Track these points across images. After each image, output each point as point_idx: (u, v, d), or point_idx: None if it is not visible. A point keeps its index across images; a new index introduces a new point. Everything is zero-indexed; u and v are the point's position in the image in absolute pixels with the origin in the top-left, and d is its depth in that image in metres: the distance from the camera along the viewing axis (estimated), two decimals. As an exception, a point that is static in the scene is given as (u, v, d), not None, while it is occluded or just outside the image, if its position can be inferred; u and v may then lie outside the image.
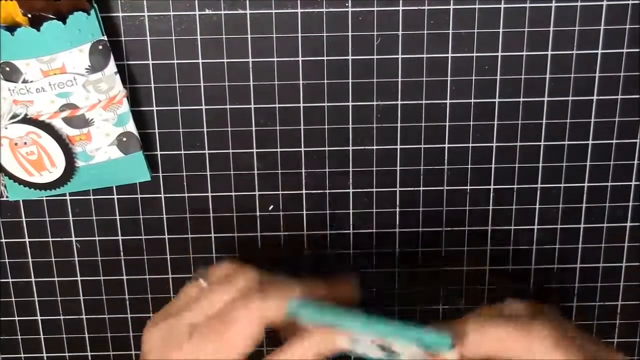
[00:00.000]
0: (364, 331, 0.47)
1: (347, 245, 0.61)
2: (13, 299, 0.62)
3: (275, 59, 0.55)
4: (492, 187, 0.59)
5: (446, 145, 0.58)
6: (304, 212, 0.60)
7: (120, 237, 0.61)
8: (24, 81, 0.52)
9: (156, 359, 0.49)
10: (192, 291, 0.51)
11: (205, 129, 0.57)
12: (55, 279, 0.62)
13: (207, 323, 0.48)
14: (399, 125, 0.57)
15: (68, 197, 0.59)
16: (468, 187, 0.59)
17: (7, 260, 0.61)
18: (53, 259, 0.61)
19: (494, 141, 0.58)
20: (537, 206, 0.60)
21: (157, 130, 0.57)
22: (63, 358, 0.64)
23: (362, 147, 0.58)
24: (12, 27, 0.50)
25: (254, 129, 0.57)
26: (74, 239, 0.60)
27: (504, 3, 0.54)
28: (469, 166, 0.58)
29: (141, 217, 0.60)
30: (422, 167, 0.58)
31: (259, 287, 0.48)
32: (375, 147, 0.58)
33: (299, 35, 0.55)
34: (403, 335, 0.47)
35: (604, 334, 0.64)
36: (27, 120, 0.53)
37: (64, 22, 0.50)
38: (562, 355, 0.46)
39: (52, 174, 0.56)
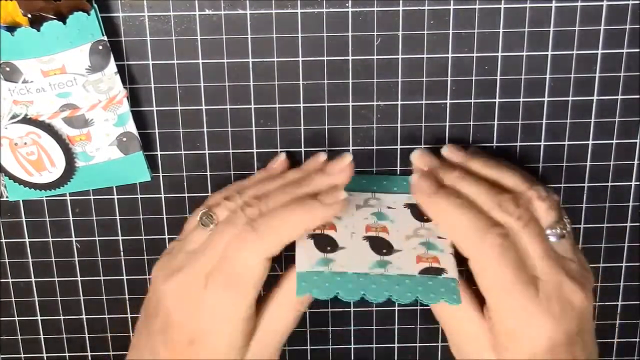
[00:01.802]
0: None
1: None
2: (13, 299, 0.62)
3: (275, 59, 0.55)
4: (492, 187, 0.59)
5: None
6: (304, 212, 0.60)
7: (120, 237, 0.61)
8: (24, 81, 0.52)
9: (181, 318, 0.51)
10: (197, 235, 0.53)
11: (205, 129, 0.57)
12: (55, 279, 0.62)
13: (216, 270, 0.50)
14: (399, 125, 0.57)
15: (68, 197, 0.59)
16: (468, 187, 0.59)
17: (7, 260, 0.61)
18: (53, 259, 0.61)
19: (494, 141, 0.58)
20: (537, 206, 0.60)
21: (157, 130, 0.57)
22: (63, 358, 0.64)
23: (362, 147, 0.58)
24: (12, 27, 0.50)
25: (254, 129, 0.57)
26: (74, 239, 0.60)
27: (504, 3, 0.54)
28: (469, 166, 0.58)
29: (141, 217, 0.60)
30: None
31: (253, 225, 0.50)
32: (375, 147, 0.58)
33: (299, 35, 0.55)
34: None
35: (604, 334, 0.64)
36: (27, 120, 0.53)
37: (64, 22, 0.50)
38: (504, 265, 0.50)
39: (52, 174, 0.56)
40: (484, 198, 0.52)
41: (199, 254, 0.51)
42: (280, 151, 0.58)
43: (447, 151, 0.56)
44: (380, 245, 0.53)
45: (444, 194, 0.52)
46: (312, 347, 0.64)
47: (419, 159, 0.56)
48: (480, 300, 0.52)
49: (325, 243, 0.52)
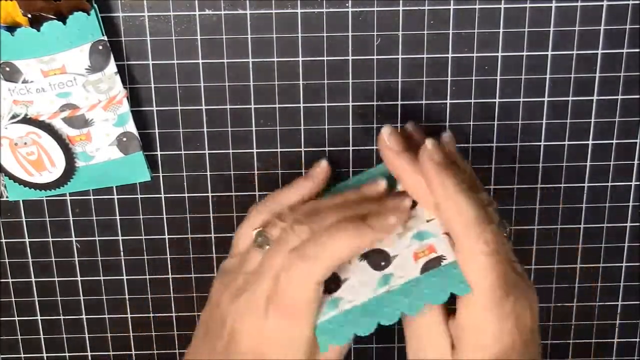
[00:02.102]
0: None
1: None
2: (13, 299, 0.62)
3: (275, 59, 0.55)
4: (492, 187, 0.59)
5: (446, 145, 0.58)
6: (304, 212, 0.60)
7: (120, 237, 0.61)
8: (24, 81, 0.52)
9: (247, 341, 0.51)
10: (254, 256, 0.53)
11: (205, 129, 0.57)
12: (55, 279, 0.62)
13: (274, 296, 0.50)
14: (399, 125, 0.57)
15: (68, 197, 0.59)
16: (468, 187, 0.59)
17: (7, 260, 0.61)
18: (53, 259, 0.61)
19: (494, 141, 0.58)
20: (537, 206, 0.60)
21: (157, 130, 0.57)
22: (63, 358, 0.64)
23: (362, 147, 0.58)
24: (12, 27, 0.50)
25: (254, 129, 0.57)
26: (74, 239, 0.60)
27: (504, 3, 0.54)
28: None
29: (141, 217, 0.60)
30: (422, 167, 0.58)
31: (300, 252, 0.50)
32: (375, 147, 0.58)
33: (299, 35, 0.55)
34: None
35: (604, 334, 0.64)
36: (27, 120, 0.53)
37: (64, 22, 0.50)
38: (489, 266, 0.48)
39: (52, 174, 0.56)
40: (478, 185, 0.52)
41: (259, 277, 0.51)
42: (281, 151, 0.58)
43: (411, 128, 0.55)
44: (378, 259, 0.52)
45: (446, 168, 0.50)
46: (312, 347, 0.64)
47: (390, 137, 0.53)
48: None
49: (328, 281, 0.51)
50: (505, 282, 0.49)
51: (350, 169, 0.58)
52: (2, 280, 0.62)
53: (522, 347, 0.50)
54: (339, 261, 0.50)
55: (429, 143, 0.50)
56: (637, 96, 0.57)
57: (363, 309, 0.50)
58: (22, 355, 0.64)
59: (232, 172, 0.58)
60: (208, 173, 0.59)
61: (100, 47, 0.52)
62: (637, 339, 0.64)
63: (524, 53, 0.55)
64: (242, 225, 0.55)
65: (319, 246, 0.50)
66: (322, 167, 0.56)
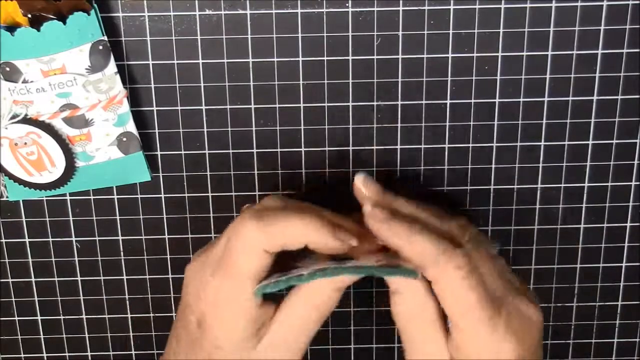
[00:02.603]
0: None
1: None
2: (13, 299, 0.62)
3: (275, 59, 0.55)
4: (492, 187, 0.59)
5: (446, 145, 0.58)
6: (304, 212, 0.60)
7: (120, 237, 0.61)
8: (24, 81, 0.52)
9: (191, 300, 0.51)
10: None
11: (205, 129, 0.57)
12: (56, 279, 0.62)
13: (221, 257, 0.50)
14: (399, 125, 0.57)
15: (68, 197, 0.59)
16: (468, 187, 0.59)
17: (7, 260, 0.61)
18: (53, 259, 0.61)
19: (494, 141, 0.58)
20: (537, 206, 0.60)
21: (157, 130, 0.57)
22: (63, 358, 0.64)
23: (362, 147, 0.58)
24: (12, 27, 0.50)
25: (254, 129, 0.57)
26: (74, 239, 0.60)
27: (504, 3, 0.54)
28: (469, 166, 0.58)
29: (141, 217, 0.60)
30: (422, 168, 0.58)
31: (258, 214, 0.50)
32: (375, 147, 0.58)
33: (299, 35, 0.55)
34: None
35: (604, 334, 0.64)
36: (27, 120, 0.53)
37: (64, 23, 0.50)
38: (469, 287, 0.48)
39: (52, 174, 0.56)
40: (435, 222, 0.51)
41: (216, 242, 0.52)
42: (281, 151, 0.57)
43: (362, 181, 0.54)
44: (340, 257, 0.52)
45: (402, 220, 0.50)
46: (312, 347, 0.64)
47: (364, 183, 0.53)
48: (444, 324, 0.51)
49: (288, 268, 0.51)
50: (491, 300, 0.49)
51: (350, 169, 0.58)
52: (2, 280, 0.62)
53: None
54: (292, 242, 0.49)
55: (365, 207, 0.51)
56: (637, 96, 0.57)
57: (308, 274, 0.50)
58: (22, 355, 0.64)
59: (232, 172, 0.58)
60: (208, 173, 0.59)
61: (101, 47, 0.52)
62: (637, 339, 0.64)
63: (524, 53, 0.55)
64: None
65: (280, 219, 0.49)
66: (350, 244, 0.52)
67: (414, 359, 0.52)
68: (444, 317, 0.51)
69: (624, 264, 0.62)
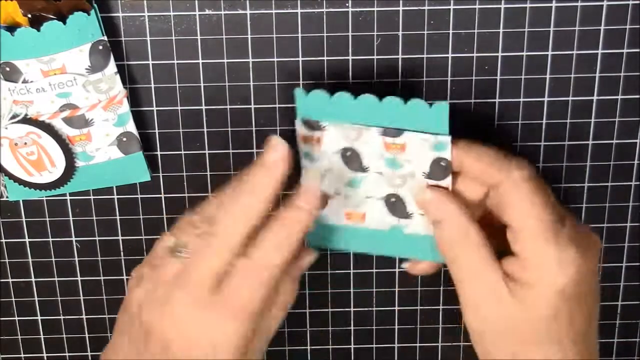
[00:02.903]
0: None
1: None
2: (13, 299, 0.62)
3: (275, 59, 0.55)
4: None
5: (446, 145, 0.58)
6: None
7: (120, 237, 0.61)
8: (24, 81, 0.52)
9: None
10: (166, 262, 0.50)
11: (205, 129, 0.57)
12: (56, 279, 0.62)
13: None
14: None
15: (68, 197, 0.59)
16: (468, 187, 0.59)
17: (7, 260, 0.61)
18: (53, 259, 0.61)
19: (494, 141, 0.58)
20: (537, 206, 0.60)
21: (157, 131, 0.57)
22: (63, 358, 0.64)
23: (362, 147, 0.58)
24: (12, 27, 0.50)
25: (254, 129, 0.57)
26: (74, 239, 0.61)
27: (504, 3, 0.54)
28: (469, 166, 0.58)
29: (141, 217, 0.60)
30: (422, 167, 0.58)
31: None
32: (375, 147, 0.58)
33: (299, 35, 0.55)
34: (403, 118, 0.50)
35: (604, 334, 0.64)
36: (27, 120, 0.53)
37: (64, 23, 0.50)
38: (536, 190, 0.49)
39: (52, 174, 0.56)
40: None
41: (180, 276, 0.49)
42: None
43: None
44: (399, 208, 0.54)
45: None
46: (312, 347, 0.64)
47: None
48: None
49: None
50: (554, 208, 0.49)
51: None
52: (2, 280, 0.62)
53: (590, 276, 0.49)
54: (246, 221, 0.48)
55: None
56: (637, 96, 0.57)
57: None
58: (22, 355, 0.64)
59: (232, 172, 0.58)
60: (208, 173, 0.59)
61: (101, 47, 0.52)
62: (638, 339, 0.64)
63: (524, 53, 0.55)
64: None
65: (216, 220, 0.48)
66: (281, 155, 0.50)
67: (466, 290, 0.51)
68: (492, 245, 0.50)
69: (624, 264, 0.62)
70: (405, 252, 0.56)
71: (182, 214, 0.59)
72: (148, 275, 0.50)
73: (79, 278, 0.62)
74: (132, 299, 0.50)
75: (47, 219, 0.60)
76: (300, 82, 0.56)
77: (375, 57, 0.55)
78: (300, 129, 0.52)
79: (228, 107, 0.57)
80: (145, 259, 0.51)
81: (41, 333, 0.63)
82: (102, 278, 0.62)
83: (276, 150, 0.49)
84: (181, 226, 0.50)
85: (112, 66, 0.53)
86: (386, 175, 0.53)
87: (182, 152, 0.58)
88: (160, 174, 0.59)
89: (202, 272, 0.48)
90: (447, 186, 0.51)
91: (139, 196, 0.59)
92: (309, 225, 0.49)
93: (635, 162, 0.59)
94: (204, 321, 0.48)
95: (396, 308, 0.63)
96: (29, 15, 0.50)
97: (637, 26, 0.55)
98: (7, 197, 0.57)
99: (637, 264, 0.62)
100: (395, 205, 0.53)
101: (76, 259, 0.61)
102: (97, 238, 0.61)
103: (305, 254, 0.52)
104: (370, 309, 0.63)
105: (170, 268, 0.49)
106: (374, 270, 0.62)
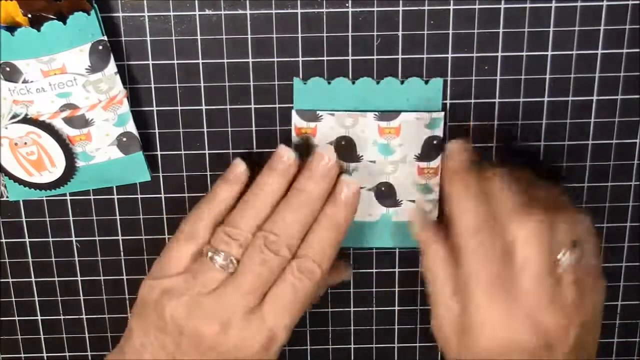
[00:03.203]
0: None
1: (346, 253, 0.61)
2: (13, 299, 0.62)
3: (275, 59, 0.55)
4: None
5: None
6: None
7: (120, 237, 0.61)
8: (24, 81, 0.52)
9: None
10: (210, 276, 0.54)
11: (205, 129, 0.57)
12: (56, 278, 0.62)
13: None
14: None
15: (68, 197, 0.59)
16: (468, 187, 0.59)
17: (7, 260, 0.61)
18: (53, 259, 0.61)
19: (494, 141, 0.58)
20: (537, 206, 0.60)
21: (157, 131, 0.57)
22: (63, 358, 0.64)
23: (362, 147, 0.58)
24: (12, 27, 0.50)
25: (254, 129, 0.57)
26: (74, 238, 0.61)
27: (504, 3, 0.54)
28: (469, 166, 0.58)
29: (141, 217, 0.60)
30: (422, 167, 0.58)
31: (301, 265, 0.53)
32: (375, 147, 0.58)
33: (299, 35, 0.55)
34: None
35: (604, 334, 0.64)
36: (27, 120, 0.53)
37: (64, 23, 0.50)
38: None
39: (52, 174, 0.56)
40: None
41: (242, 294, 0.52)
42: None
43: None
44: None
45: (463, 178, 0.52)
46: (312, 347, 0.64)
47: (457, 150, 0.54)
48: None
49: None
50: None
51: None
52: (2, 280, 0.62)
53: None
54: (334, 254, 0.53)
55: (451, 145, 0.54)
56: (637, 96, 0.57)
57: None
58: (22, 355, 0.64)
59: (232, 172, 0.58)
60: (208, 173, 0.59)
61: (101, 47, 0.52)
62: (637, 339, 0.64)
63: (524, 53, 0.55)
64: (173, 246, 0.55)
65: (317, 253, 0.53)
66: (241, 171, 0.55)
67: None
68: None
69: (623, 264, 0.62)
70: (395, 242, 0.59)
71: (181, 214, 0.59)
72: (187, 286, 0.53)
73: (79, 278, 0.62)
74: (166, 307, 0.53)
75: (47, 219, 0.60)
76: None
77: (375, 57, 0.55)
78: (296, 120, 0.55)
79: (228, 107, 0.57)
80: (165, 271, 0.54)
81: (41, 333, 0.63)
82: (102, 278, 0.62)
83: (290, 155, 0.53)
84: (218, 237, 0.53)
85: (112, 66, 0.53)
86: (378, 163, 0.56)
87: (182, 152, 0.58)
88: (160, 174, 0.59)
89: (254, 280, 0.52)
90: (436, 167, 0.55)
91: (139, 196, 0.59)
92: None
93: (635, 162, 0.59)
94: (257, 325, 0.52)
95: (396, 308, 0.63)
96: (29, 15, 0.50)
97: (637, 26, 0.55)
98: (7, 197, 0.57)
99: (637, 263, 0.62)
100: (385, 193, 0.57)
101: (76, 258, 0.61)
102: (97, 238, 0.61)
103: (344, 269, 0.59)
104: (370, 308, 0.63)
105: (214, 277, 0.52)
106: (374, 270, 0.62)
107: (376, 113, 0.55)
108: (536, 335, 0.49)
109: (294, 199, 0.53)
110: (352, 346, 0.64)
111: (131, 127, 0.55)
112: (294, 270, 0.52)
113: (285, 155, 0.53)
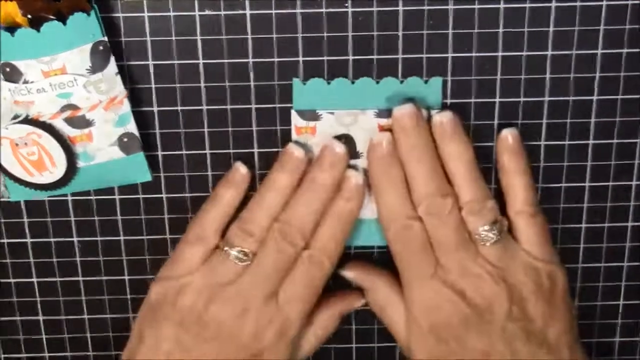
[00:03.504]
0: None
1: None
2: (15, 299, 0.62)
3: (275, 59, 0.55)
4: (492, 187, 0.59)
5: (446, 145, 0.58)
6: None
7: (121, 237, 0.61)
8: (25, 82, 0.52)
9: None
10: (227, 268, 0.57)
11: (206, 129, 0.57)
12: (57, 279, 0.62)
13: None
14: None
15: (69, 198, 0.59)
16: (468, 187, 0.59)
17: (8, 261, 0.61)
18: (54, 259, 0.61)
19: (494, 141, 0.58)
20: (538, 206, 0.60)
21: (157, 131, 0.57)
22: (65, 358, 0.64)
23: (363, 147, 0.58)
24: (12, 28, 0.50)
25: (254, 129, 0.57)
26: (75, 239, 0.61)
27: (504, 3, 0.54)
28: (470, 166, 0.58)
29: (142, 217, 0.60)
30: (422, 167, 0.58)
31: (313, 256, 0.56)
32: (375, 147, 0.58)
33: (299, 35, 0.55)
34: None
35: (605, 333, 0.64)
36: (27, 120, 0.53)
37: (64, 23, 0.50)
38: None
39: (53, 174, 0.56)
40: (420, 181, 0.55)
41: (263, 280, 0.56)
42: (281, 151, 0.58)
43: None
44: None
45: (385, 163, 0.55)
46: (313, 347, 0.64)
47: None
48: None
49: None
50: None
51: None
52: (4, 280, 0.62)
53: None
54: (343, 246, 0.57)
55: (375, 137, 0.56)
56: (637, 96, 0.57)
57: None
58: (24, 355, 0.64)
59: (232, 172, 0.58)
60: (209, 173, 0.59)
61: (101, 48, 0.52)
62: (639, 339, 0.64)
63: (524, 53, 0.55)
64: (182, 248, 0.57)
65: (326, 245, 0.56)
66: (243, 174, 0.57)
67: None
68: None
69: (625, 264, 0.62)
70: None
71: (182, 214, 0.59)
72: (205, 280, 0.56)
73: (80, 278, 0.62)
74: (186, 300, 0.55)
75: (49, 219, 0.60)
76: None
77: (375, 57, 0.55)
78: (296, 120, 0.56)
79: (228, 107, 0.57)
80: (181, 269, 0.57)
81: (43, 333, 0.64)
82: (103, 278, 0.62)
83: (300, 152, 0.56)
84: (232, 233, 0.56)
85: (112, 66, 0.53)
86: None
87: (183, 152, 0.58)
88: (161, 174, 0.59)
89: (271, 268, 0.55)
90: None
91: (140, 196, 0.59)
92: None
93: (636, 161, 0.59)
94: (273, 311, 0.55)
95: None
96: (29, 16, 0.50)
97: (637, 26, 0.55)
98: (8, 198, 0.58)
99: (638, 263, 0.62)
100: None
101: (78, 259, 0.61)
102: (98, 238, 0.61)
103: (356, 297, 0.60)
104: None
105: (232, 269, 0.55)
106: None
107: (376, 110, 0.55)
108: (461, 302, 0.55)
109: (307, 191, 0.55)
110: (354, 345, 0.64)
111: (132, 127, 0.55)
112: (304, 260, 0.55)
113: (295, 153, 0.55)
